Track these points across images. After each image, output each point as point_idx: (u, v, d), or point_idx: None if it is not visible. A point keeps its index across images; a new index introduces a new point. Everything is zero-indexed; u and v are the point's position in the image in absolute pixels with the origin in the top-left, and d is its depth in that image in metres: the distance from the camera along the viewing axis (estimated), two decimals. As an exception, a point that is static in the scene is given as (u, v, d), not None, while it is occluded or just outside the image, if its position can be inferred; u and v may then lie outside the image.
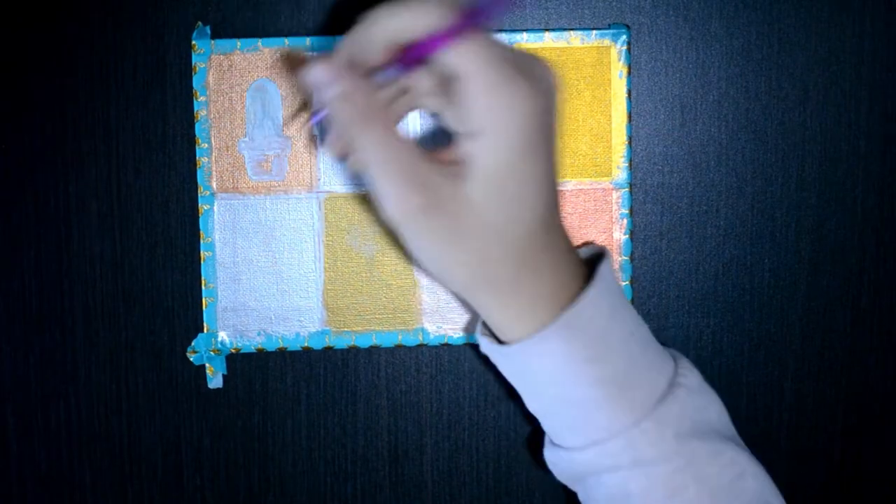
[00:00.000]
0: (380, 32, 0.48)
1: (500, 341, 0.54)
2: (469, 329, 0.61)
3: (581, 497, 0.56)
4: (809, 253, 0.63)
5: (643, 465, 0.51)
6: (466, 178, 0.48)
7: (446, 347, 0.62)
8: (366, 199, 0.60)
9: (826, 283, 0.63)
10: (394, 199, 0.47)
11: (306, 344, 0.61)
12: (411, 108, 0.55)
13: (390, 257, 0.61)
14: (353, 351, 0.62)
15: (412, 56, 0.47)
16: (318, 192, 0.60)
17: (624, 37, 0.60)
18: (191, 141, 0.60)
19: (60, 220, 0.61)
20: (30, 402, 0.61)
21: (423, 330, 0.61)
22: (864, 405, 0.64)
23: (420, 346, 0.62)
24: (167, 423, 0.62)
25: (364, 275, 0.61)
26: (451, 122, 0.52)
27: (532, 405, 0.55)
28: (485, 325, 0.56)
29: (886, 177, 0.63)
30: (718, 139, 0.62)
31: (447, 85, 0.49)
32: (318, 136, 0.60)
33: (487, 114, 0.46)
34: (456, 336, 0.61)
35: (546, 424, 0.55)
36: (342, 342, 0.61)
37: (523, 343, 0.51)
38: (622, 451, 0.51)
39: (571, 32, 0.60)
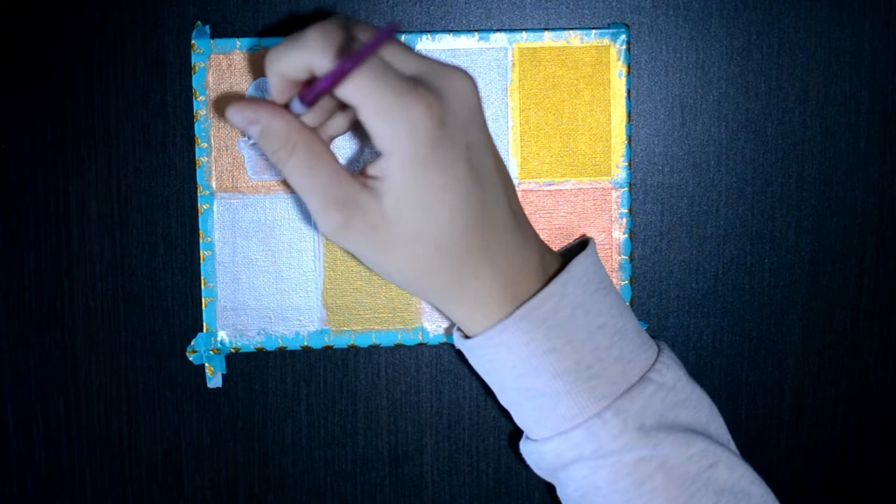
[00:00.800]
0: (276, 72, 0.51)
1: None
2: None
3: (558, 493, 0.57)
4: (809, 253, 0.63)
5: (607, 455, 0.52)
6: (382, 194, 0.50)
7: (446, 347, 0.62)
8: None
9: (826, 283, 0.63)
10: (319, 218, 0.51)
11: (306, 343, 0.61)
12: (347, 127, 0.56)
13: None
14: (353, 351, 0.62)
15: (309, 94, 0.50)
16: (317, 191, 0.60)
17: (623, 36, 0.60)
18: (190, 141, 0.60)
19: (60, 220, 0.61)
20: (30, 402, 0.61)
21: (422, 329, 0.61)
22: (864, 405, 0.64)
23: (419, 345, 0.62)
24: (167, 423, 0.62)
25: (363, 274, 0.61)
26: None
27: (502, 399, 0.56)
28: None
29: (886, 177, 0.63)
30: (718, 139, 0.62)
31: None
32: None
33: (382, 138, 0.49)
34: (455, 335, 0.61)
35: (516, 418, 0.56)
36: (342, 341, 0.61)
37: (483, 336, 0.53)
38: (584, 441, 0.53)
39: (571, 32, 0.60)
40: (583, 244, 0.58)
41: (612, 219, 0.61)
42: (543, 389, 0.53)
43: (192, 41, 0.59)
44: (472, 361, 0.56)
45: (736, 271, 0.63)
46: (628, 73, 0.61)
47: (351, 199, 0.50)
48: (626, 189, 0.61)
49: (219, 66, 0.60)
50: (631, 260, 0.62)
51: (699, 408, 0.55)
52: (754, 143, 0.62)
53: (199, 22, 0.60)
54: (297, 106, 0.52)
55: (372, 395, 0.63)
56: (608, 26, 0.61)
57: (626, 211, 0.61)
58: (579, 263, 0.54)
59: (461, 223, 0.51)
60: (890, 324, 0.63)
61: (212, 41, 0.59)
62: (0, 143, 0.60)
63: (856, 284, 0.63)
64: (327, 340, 0.61)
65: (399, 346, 0.62)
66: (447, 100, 0.50)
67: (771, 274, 0.63)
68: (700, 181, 0.63)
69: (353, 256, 0.56)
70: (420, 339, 0.61)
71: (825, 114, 0.63)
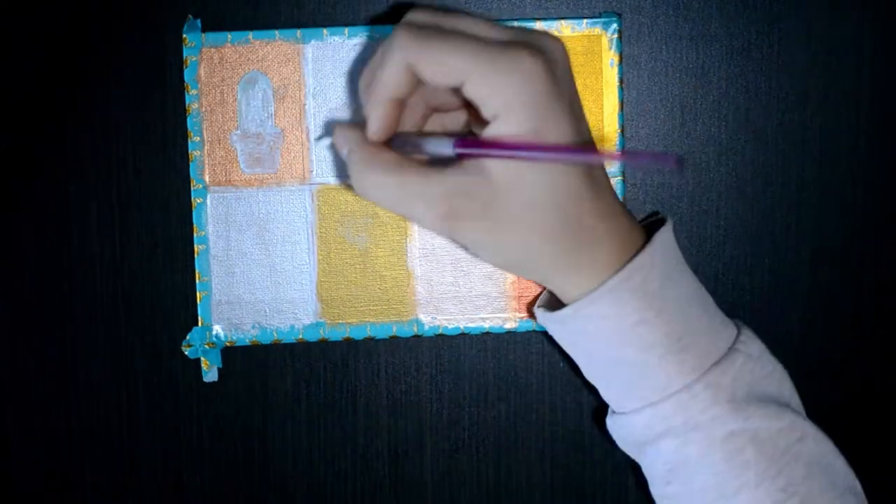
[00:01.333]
0: (407, 80, 0.49)
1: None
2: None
3: (644, 470, 0.56)
4: (809, 253, 0.63)
5: (697, 428, 0.51)
6: (493, 167, 0.48)
7: (446, 347, 0.62)
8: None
9: (826, 283, 0.63)
10: (421, 217, 0.49)
11: (301, 336, 0.61)
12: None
13: (384, 248, 0.61)
14: (353, 350, 0.62)
15: (470, 146, 0.48)
16: (310, 183, 0.60)
17: (614, 25, 0.60)
18: (186, 136, 0.61)
19: (60, 220, 0.61)
20: (30, 402, 0.62)
21: (417, 321, 0.61)
22: (864, 405, 0.63)
23: (416, 338, 0.62)
24: (167, 423, 0.62)
25: (358, 266, 0.61)
26: (476, 127, 0.53)
27: (588, 372, 0.55)
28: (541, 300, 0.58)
29: (886, 177, 0.63)
30: (718, 139, 0.62)
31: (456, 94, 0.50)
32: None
33: (495, 96, 0.47)
34: (450, 327, 0.61)
35: (603, 391, 0.56)
36: (337, 334, 0.61)
37: (575, 305, 0.52)
38: (674, 414, 0.52)
39: (562, 21, 0.60)
40: (657, 220, 0.58)
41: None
42: (633, 360, 0.52)
43: (184, 35, 0.60)
44: (557, 336, 0.55)
45: (736, 271, 0.63)
46: (620, 62, 0.61)
47: (453, 189, 0.48)
48: (619, 178, 0.61)
49: (210, 59, 0.60)
50: (630, 259, 0.62)
51: (782, 381, 0.54)
52: (754, 143, 0.62)
53: (189, 16, 0.60)
54: (445, 147, 0.49)
55: (372, 395, 0.63)
56: (599, 15, 0.61)
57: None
58: (664, 236, 0.53)
59: (577, 183, 0.49)
60: (890, 323, 0.63)
61: (203, 35, 0.60)
62: (0, 143, 0.60)
63: (856, 284, 0.63)
64: (322, 333, 0.61)
65: (397, 343, 0.62)
66: (549, 54, 0.48)
67: (771, 274, 0.63)
68: (700, 181, 0.62)
69: (470, 251, 0.52)
70: (415, 330, 0.61)
71: (825, 114, 0.63)
